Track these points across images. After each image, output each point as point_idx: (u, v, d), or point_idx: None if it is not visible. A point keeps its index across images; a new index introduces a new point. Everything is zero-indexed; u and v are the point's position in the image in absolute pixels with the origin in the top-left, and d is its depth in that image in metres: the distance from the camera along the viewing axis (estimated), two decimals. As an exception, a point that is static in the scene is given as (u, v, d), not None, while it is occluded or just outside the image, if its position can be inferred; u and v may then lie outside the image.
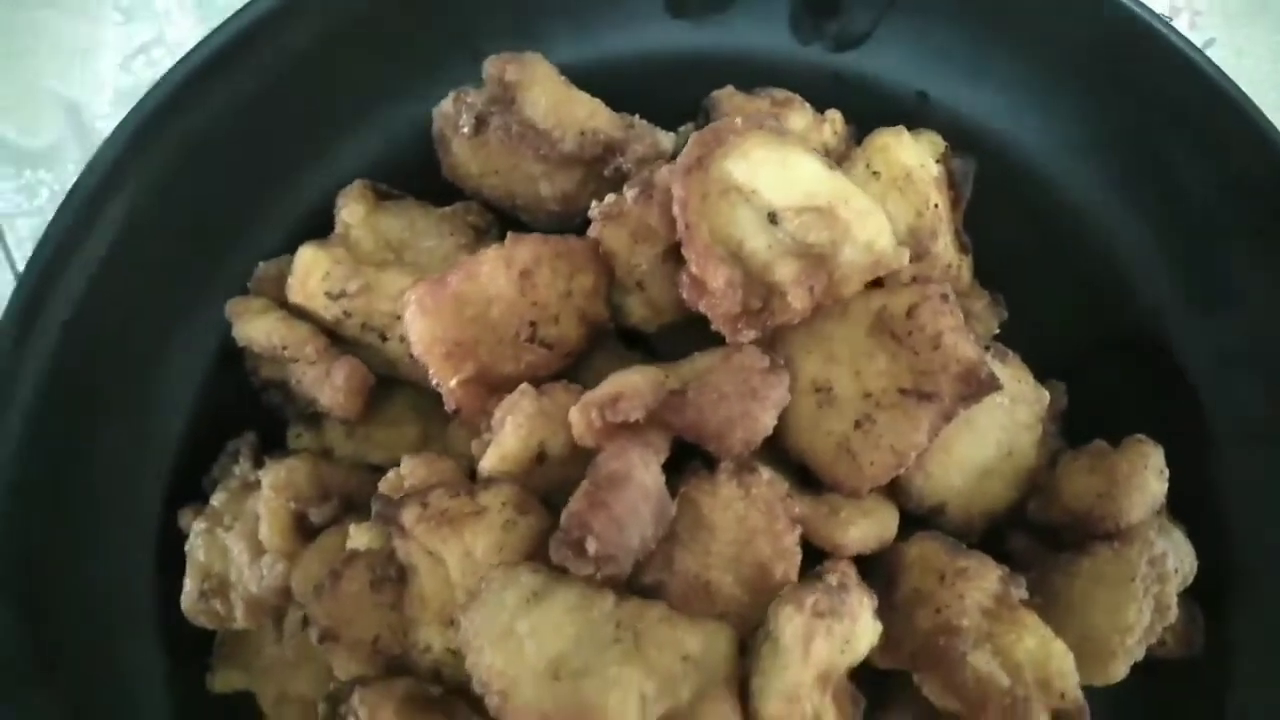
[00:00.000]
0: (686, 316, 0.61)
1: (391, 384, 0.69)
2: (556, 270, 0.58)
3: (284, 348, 0.64)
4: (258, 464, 0.65)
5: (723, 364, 0.53)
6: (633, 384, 0.53)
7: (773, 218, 0.54)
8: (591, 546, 0.47)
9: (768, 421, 0.53)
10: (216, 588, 0.63)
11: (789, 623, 0.47)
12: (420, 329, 0.56)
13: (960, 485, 0.63)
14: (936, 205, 0.64)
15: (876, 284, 0.60)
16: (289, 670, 0.69)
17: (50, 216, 0.64)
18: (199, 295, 0.67)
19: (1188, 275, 0.70)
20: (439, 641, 0.56)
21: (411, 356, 0.63)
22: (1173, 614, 0.63)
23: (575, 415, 0.54)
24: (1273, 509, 0.69)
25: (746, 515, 0.55)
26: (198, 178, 0.66)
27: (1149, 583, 0.60)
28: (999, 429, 0.63)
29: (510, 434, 0.56)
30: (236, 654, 0.71)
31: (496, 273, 0.55)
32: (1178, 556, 0.65)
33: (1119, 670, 0.61)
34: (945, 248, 0.62)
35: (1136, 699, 0.71)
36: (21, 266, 0.81)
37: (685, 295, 0.55)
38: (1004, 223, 0.71)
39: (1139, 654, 0.62)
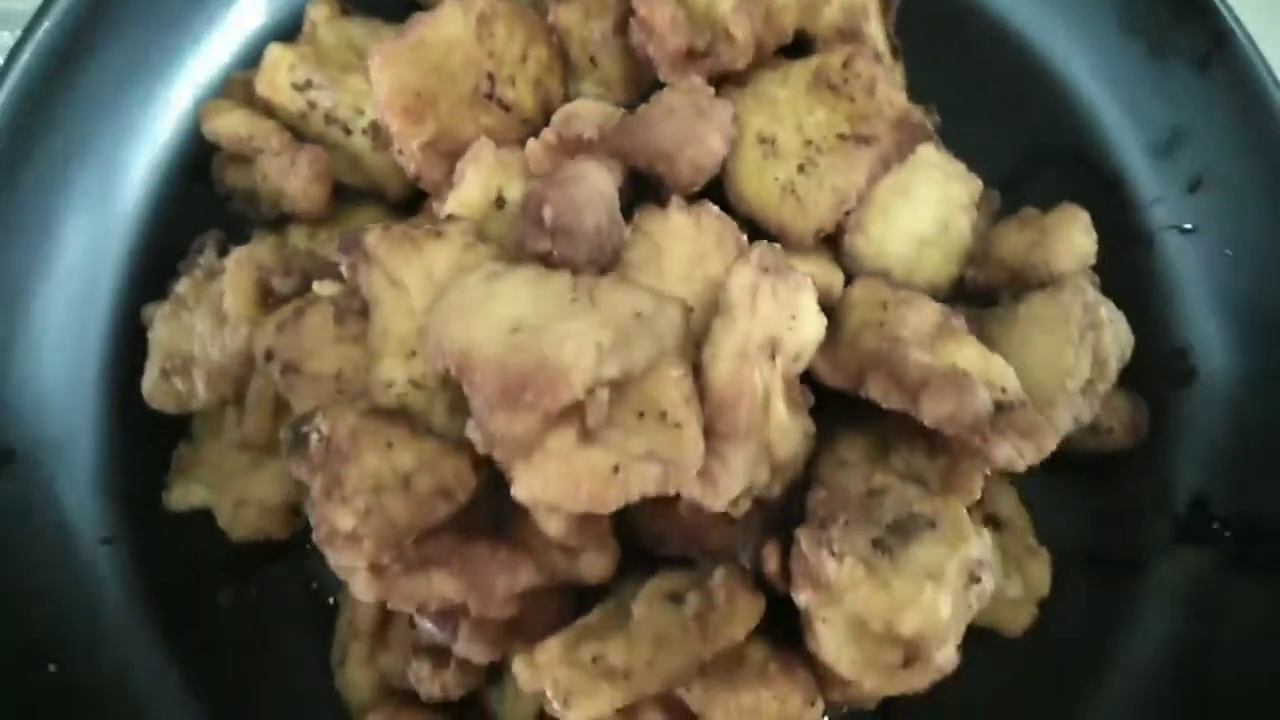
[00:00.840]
0: (639, 95, 0.65)
1: (355, 198, 0.72)
2: (513, 33, 0.61)
3: (250, 138, 0.66)
4: (222, 254, 0.67)
5: (670, 92, 0.57)
6: (586, 107, 0.56)
7: (713, -40, 0.59)
8: (548, 215, 0.50)
9: (715, 144, 0.56)
10: (178, 366, 0.64)
11: (736, 277, 0.49)
12: (382, 79, 0.59)
13: (900, 253, 0.66)
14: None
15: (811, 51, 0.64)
16: (246, 476, 0.69)
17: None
18: (163, 105, 0.69)
19: (1115, 82, 0.75)
20: (401, 373, 0.57)
21: (374, 148, 0.66)
22: (1111, 370, 0.66)
23: (532, 144, 0.57)
24: (1202, 297, 0.73)
25: (698, 240, 0.57)
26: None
27: (1084, 328, 0.63)
28: (935, 202, 0.67)
29: (470, 179, 0.59)
30: (192, 469, 0.71)
31: (454, 16, 0.59)
32: (1115, 331, 0.68)
33: (1062, 419, 0.63)
34: (876, 33, 0.67)
35: (1085, 496, 0.75)
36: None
37: (634, 40, 0.59)
38: (940, 45, 0.75)
39: (1083, 411, 0.65)
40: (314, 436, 0.54)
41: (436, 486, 0.52)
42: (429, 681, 0.64)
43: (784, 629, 0.63)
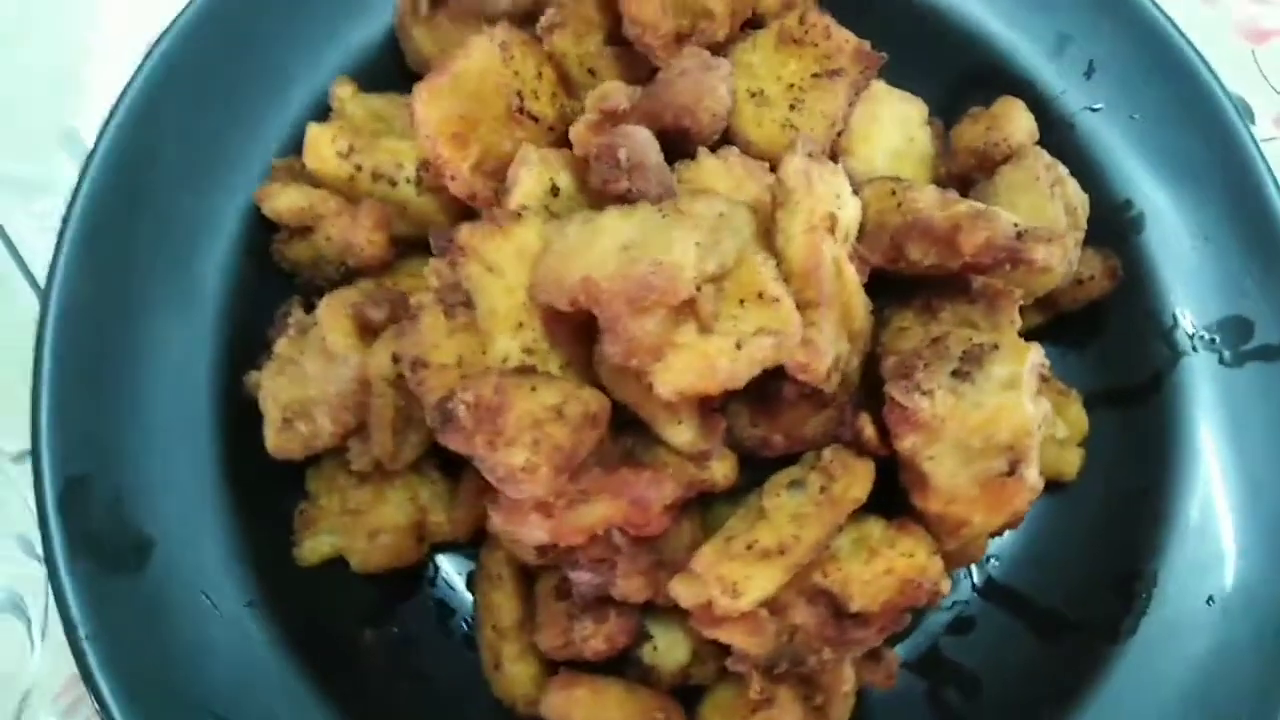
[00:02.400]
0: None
1: (407, 250, 0.79)
2: (526, 56, 0.72)
3: (310, 206, 0.74)
4: (308, 311, 0.73)
5: (677, 60, 0.67)
6: (613, 86, 0.66)
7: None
8: (623, 155, 0.59)
9: (724, 92, 0.67)
10: (298, 412, 0.69)
11: (789, 164, 0.59)
12: (428, 113, 0.68)
13: (885, 167, 0.78)
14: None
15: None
16: (371, 510, 0.73)
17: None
18: (223, 199, 0.76)
19: (1005, 12, 0.88)
20: (515, 346, 0.64)
21: (419, 193, 0.75)
22: (1081, 218, 0.78)
23: (576, 128, 0.66)
24: (1127, 156, 0.86)
25: (731, 174, 0.67)
26: (199, 106, 0.77)
27: (1051, 183, 0.75)
28: (899, 122, 0.79)
29: (524, 178, 0.68)
30: (316, 522, 0.75)
31: (483, 45, 0.69)
32: (1073, 188, 0.80)
33: (1069, 246, 0.73)
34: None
35: (1086, 349, 0.86)
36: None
37: (630, 34, 0.70)
38: (849, 9, 0.88)
39: (1073, 253, 0.76)
40: (461, 408, 0.60)
41: (584, 412, 0.59)
42: (595, 637, 0.68)
43: (891, 507, 0.71)
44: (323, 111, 0.79)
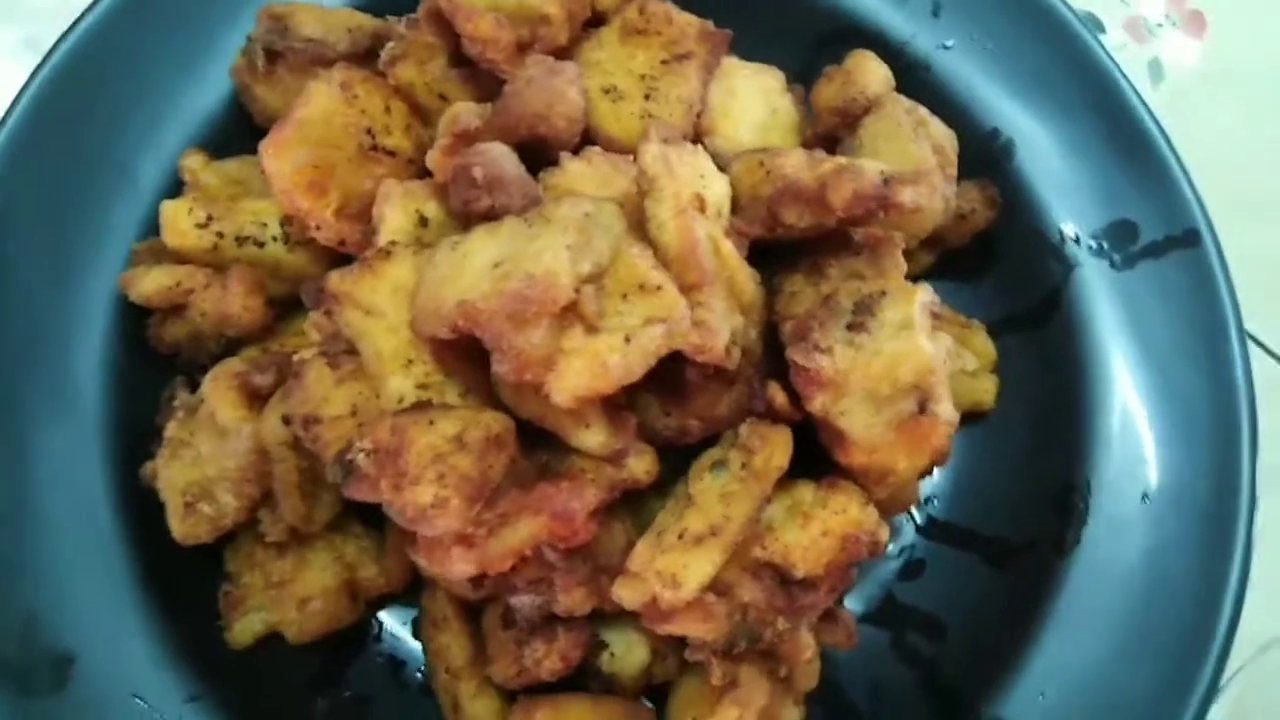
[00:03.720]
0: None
1: (286, 309, 0.77)
2: (370, 93, 0.70)
3: (178, 283, 0.71)
4: (194, 389, 0.71)
5: (521, 69, 0.67)
6: (463, 106, 0.65)
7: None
8: (479, 174, 0.58)
9: (574, 95, 0.66)
10: (199, 494, 0.66)
11: (646, 153, 0.58)
12: (279, 167, 0.66)
13: (751, 140, 0.78)
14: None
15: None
16: (296, 577, 0.71)
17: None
18: (90, 295, 0.74)
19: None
20: (408, 384, 0.63)
21: (288, 249, 0.73)
22: (951, 155, 0.79)
23: (431, 155, 0.65)
24: (988, 85, 0.88)
25: (596, 174, 0.66)
26: (46, 201, 0.74)
27: (913, 126, 0.76)
28: (758, 93, 0.80)
29: (389, 212, 0.66)
30: (242, 602, 0.72)
31: (322, 90, 0.67)
32: (937, 127, 0.81)
33: (938, 184, 0.74)
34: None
35: (983, 280, 0.88)
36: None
37: (471, 53, 0.69)
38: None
39: (948, 192, 0.77)
40: (360, 456, 0.58)
41: (486, 436, 0.57)
42: (548, 657, 0.67)
43: (817, 469, 0.71)
44: (176, 187, 0.77)
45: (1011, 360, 0.85)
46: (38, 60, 0.76)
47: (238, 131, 0.80)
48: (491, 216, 0.59)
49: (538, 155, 0.68)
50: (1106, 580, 0.77)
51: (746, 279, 0.64)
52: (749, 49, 0.86)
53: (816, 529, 0.68)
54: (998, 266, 0.88)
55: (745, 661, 0.70)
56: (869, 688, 0.79)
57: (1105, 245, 0.84)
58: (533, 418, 0.62)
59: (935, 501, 0.85)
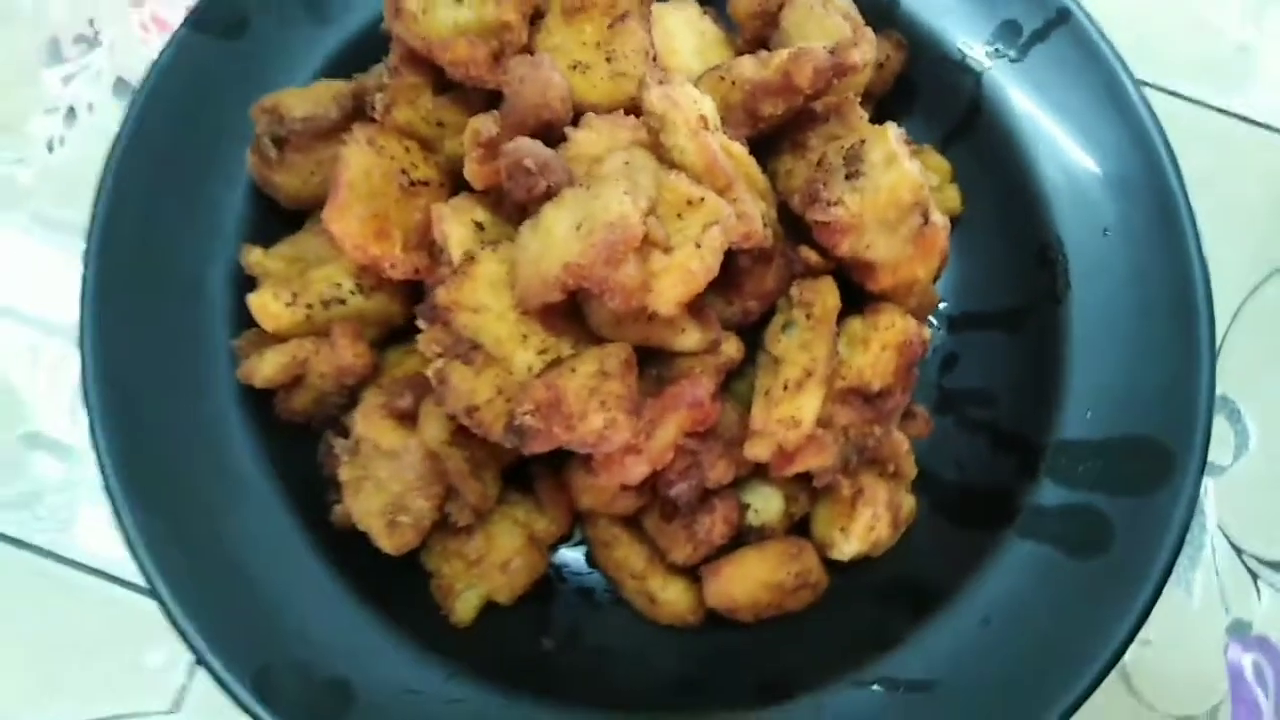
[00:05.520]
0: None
1: (382, 345, 0.88)
2: (386, 138, 0.81)
3: (292, 358, 0.82)
4: (343, 434, 0.82)
5: (511, 75, 0.78)
6: (476, 120, 0.76)
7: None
8: (530, 163, 0.70)
9: (559, 78, 0.78)
10: (394, 510, 0.77)
11: (651, 94, 0.71)
12: (345, 228, 0.77)
13: (695, 65, 0.90)
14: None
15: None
16: (493, 544, 0.84)
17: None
18: (206, 411, 0.84)
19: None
20: (530, 355, 0.74)
21: (369, 294, 0.84)
22: (855, 14, 0.91)
23: (469, 170, 0.76)
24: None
25: (603, 137, 0.78)
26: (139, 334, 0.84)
27: (822, 4, 0.88)
28: (684, 24, 0.92)
29: (450, 228, 0.78)
30: (452, 583, 0.84)
31: (356, 154, 0.78)
32: (839, 1, 0.94)
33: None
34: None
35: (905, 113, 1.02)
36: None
37: (455, 76, 0.80)
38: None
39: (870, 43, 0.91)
40: (527, 419, 0.71)
41: (619, 361, 0.70)
42: (716, 526, 0.81)
43: (856, 305, 0.85)
44: (247, 282, 0.87)
45: (963, 166, 1.00)
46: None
47: (267, 219, 0.91)
48: (550, 195, 0.71)
49: (547, 140, 0.79)
50: (1101, 303, 0.93)
51: (756, 171, 0.77)
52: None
53: (876, 347, 0.82)
54: (921, 97, 1.02)
55: (861, 472, 0.84)
56: (953, 462, 0.95)
57: (999, 47, 0.99)
58: (637, 341, 0.75)
59: (945, 302, 1.00)
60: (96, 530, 0.94)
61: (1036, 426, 0.92)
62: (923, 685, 0.82)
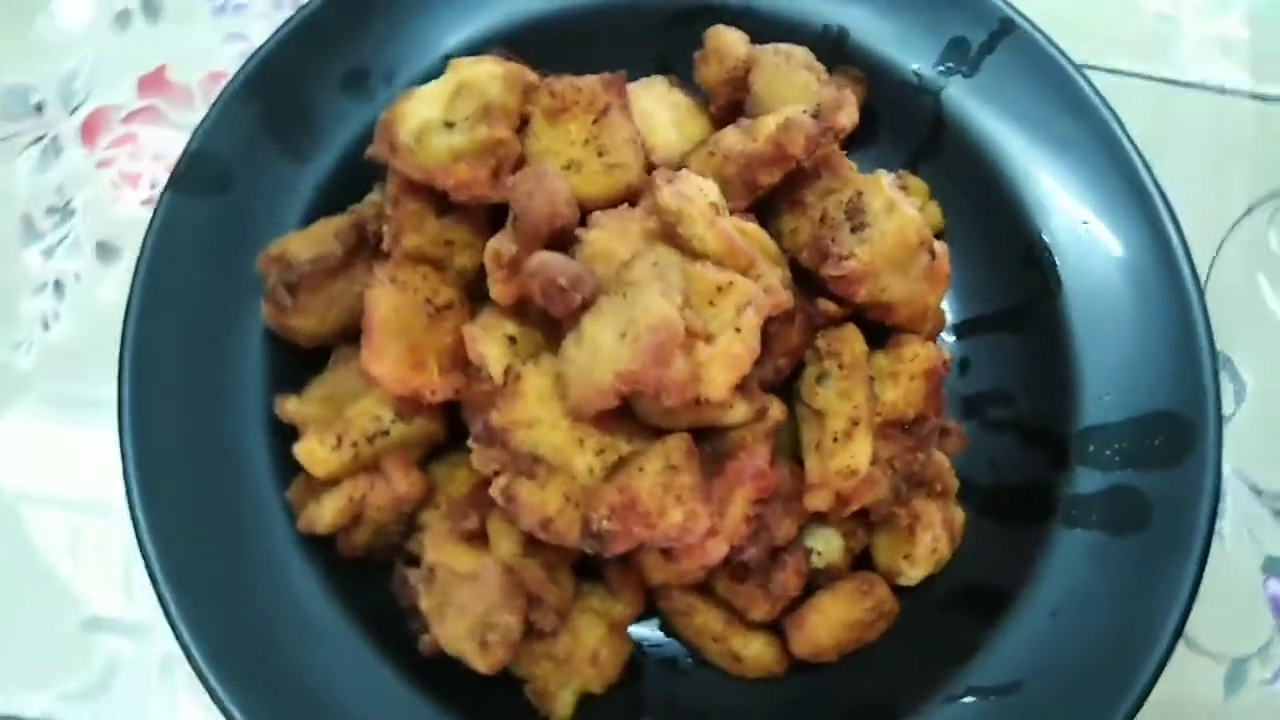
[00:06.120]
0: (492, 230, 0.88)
1: (425, 463, 0.89)
2: (406, 272, 0.83)
3: (348, 499, 0.83)
4: (410, 562, 0.83)
5: (519, 188, 0.80)
6: (496, 241, 0.78)
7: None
8: (563, 281, 0.72)
9: (563, 184, 0.80)
10: (483, 629, 0.79)
11: (662, 195, 0.74)
12: (384, 368, 0.79)
13: (677, 141, 0.93)
14: None
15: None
16: (577, 640, 0.85)
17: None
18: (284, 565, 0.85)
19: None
20: (590, 458, 0.76)
21: (409, 420, 0.85)
22: (815, 64, 0.95)
23: (495, 290, 0.78)
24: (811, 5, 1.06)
25: (614, 236, 0.81)
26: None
27: (785, 61, 0.92)
28: (657, 101, 0.95)
29: (485, 347, 0.80)
30: (546, 684, 0.86)
31: (380, 294, 0.79)
32: (796, 52, 0.98)
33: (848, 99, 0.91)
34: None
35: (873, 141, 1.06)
36: None
37: (458, 199, 0.82)
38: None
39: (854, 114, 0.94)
40: (603, 524, 0.73)
41: (684, 452, 0.73)
42: (789, 580, 0.83)
43: (876, 342, 0.88)
44: (282, 429, 0.88)
45: (938, 184, 1.04)
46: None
47: (286, 361, 0.92)
48: (586, 306, 0.74)
49: (560, 246, 0.82)
50: (1095, 291, 0.97)
51: (769, 241, 0.81)
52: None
53: (905, 379, 0.86)
54: (884, 123, 1.06)
55: (912, 497, 0.88)
56: (987, 465, 0.99)
57: (951, 64, 1.03)
58: (689, 425, 0.77)
59: (949, 314, 1.05)
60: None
61: (1059, 418, 0.96)
62: (1010, 688, 0.86)
